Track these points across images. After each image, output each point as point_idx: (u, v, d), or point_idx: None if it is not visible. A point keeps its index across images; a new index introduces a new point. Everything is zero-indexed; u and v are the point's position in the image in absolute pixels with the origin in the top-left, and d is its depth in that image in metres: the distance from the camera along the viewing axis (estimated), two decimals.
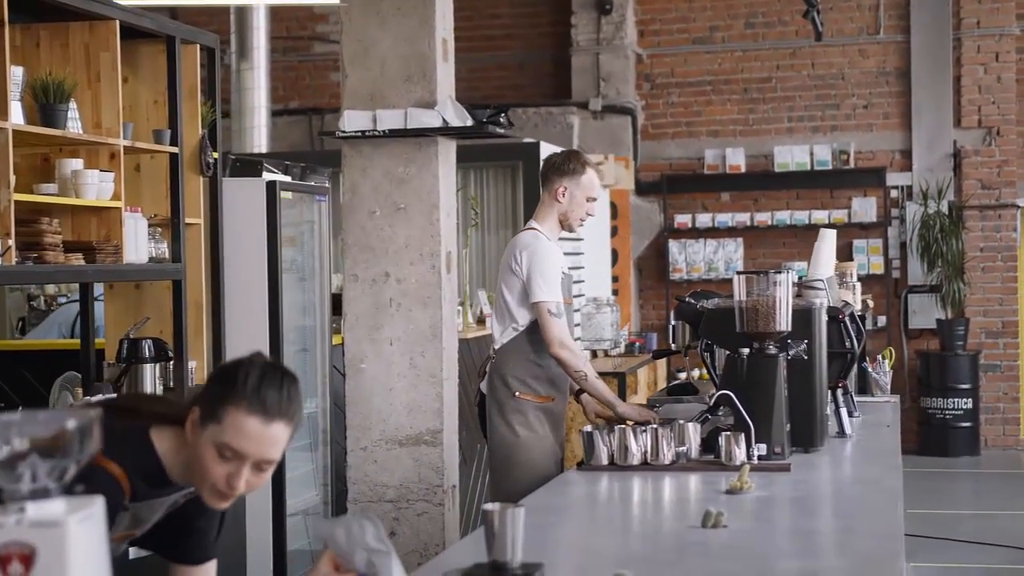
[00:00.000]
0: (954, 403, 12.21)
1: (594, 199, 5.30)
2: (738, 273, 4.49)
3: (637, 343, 10.87)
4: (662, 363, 11.08)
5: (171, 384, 5.65)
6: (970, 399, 12.24)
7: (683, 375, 10.29)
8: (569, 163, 5.27)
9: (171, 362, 5.64)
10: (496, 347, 5.26)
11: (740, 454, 4.22)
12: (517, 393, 5.17)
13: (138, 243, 5.35)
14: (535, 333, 5.14)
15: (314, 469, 6.83)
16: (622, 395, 8.93)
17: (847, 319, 5.08)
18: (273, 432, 2.60)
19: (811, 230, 11.26)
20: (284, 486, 6.33)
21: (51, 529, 1.75)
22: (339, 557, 2.47)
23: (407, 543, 5.59)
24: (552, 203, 5.26)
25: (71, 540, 1.76)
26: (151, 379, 5.50)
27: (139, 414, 2.76)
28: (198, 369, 5.89)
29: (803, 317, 4.58)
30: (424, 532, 5.63)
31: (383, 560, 2.44)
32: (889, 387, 6.48)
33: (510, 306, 5.18)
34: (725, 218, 12.87)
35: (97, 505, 1.83)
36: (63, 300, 8.29)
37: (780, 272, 4.46)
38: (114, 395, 5.02)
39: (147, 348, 5.51)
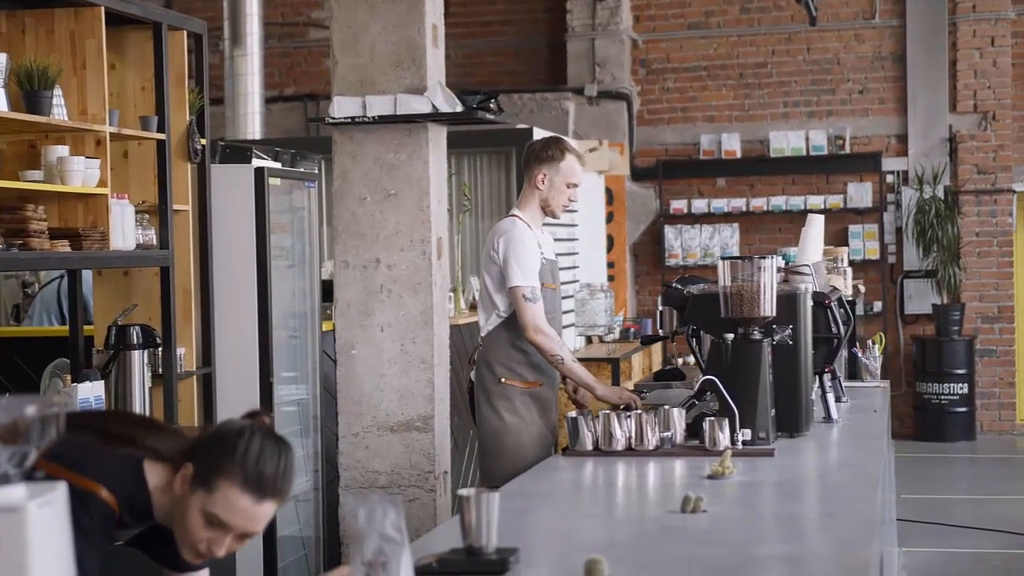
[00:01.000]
0: (950, 388, 12.22)
1: (575, 185, 5.30)
2: (723, 258, 4.50)
3: (632, 329, 10.87)
4: (657, 349, 11.09)
5: (159, 370, 5.65)
6: (966, 384, 12.25)
7: (679, 361, 10.30)
8: (548, 150, 5.29)
9: (159, 348, 5.65)
10: (482, 334, 5.29)
11: (724, 439, 4.22)
12: (503, 379, 5.19)
13: (125, 230, 5.35)
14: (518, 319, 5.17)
15: (304, 455, 6.83)
16: (615, 381, 8.95)
17: (834, 304, 5.07)
18: (263, 510, 2.61)
19: (807, 215, 11.30)
20: None
21: (11, 515, 1.76)
22: (350, 534, 2.48)
23: None
24: (533, 190, 5.28)
25: (31, 525, 1.76)
26: (139, 366, 5.50)
27: (135, 444, 2.73)
28: (187, 356, 5.89)
29: (788, 302, 4.58)
30: (415, 518, 5.63)
31: (394, 550, 2.44)
32: (879, 372, 6.46)
33: (491, 293, 5.23)
34: (721, 204, 12.86)
35: (59, 491, 1.83)
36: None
37: (765, 258, 4.46)
38: (105, 411, 4.96)
39: (135, 335, 5.51)
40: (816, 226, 5.77)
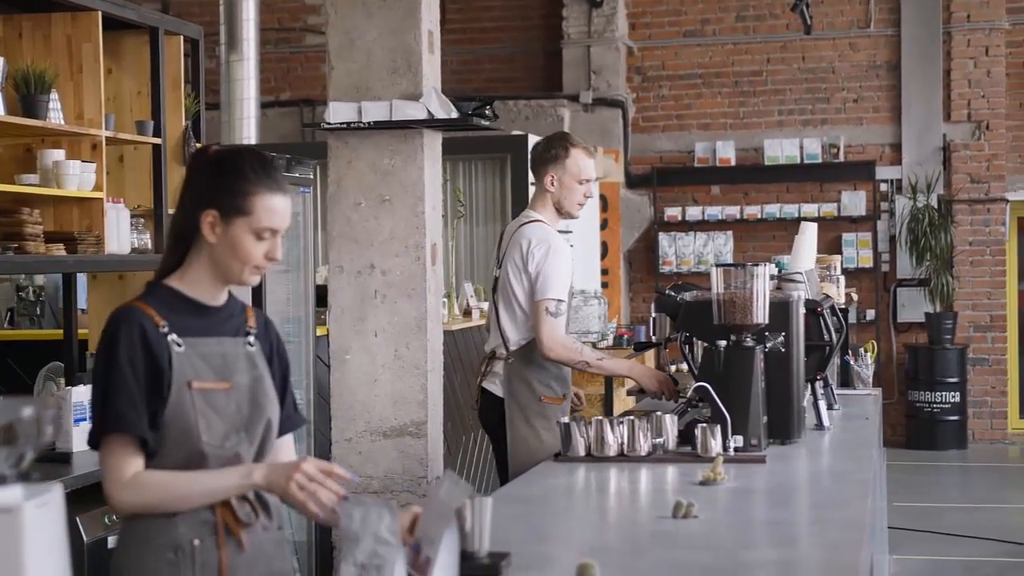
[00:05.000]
0: (942, 397, 12.24)
1: (587, 180, 5.20)
2: (716, 266, 4.51)
3: (626, 336, 10.88)
4: (651, 356, 11.09)
5: None
6: (958, 393, 12.28)
7: (673, 368, 10.29)
8: (551, 149, 5.20)
9: None
10: (511, 348, 5.20)
11: (716, 446, 4.23)
12: (543, 397, 5.13)
13: (120, 234, 5.36)
14: None
15: None
16: (608, 388, 8.96)
17: (826, 312, 5.09)
18: (290, 203, 2.92)
19: (800, 223, 11.33)
20: None
21: (7, 515, 1.77)
22: (344, 536, 2.48)
23: None
24: (545, 193, 5.20)
25: (27, 526, 1.77)
26: None
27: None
28: None
29: (781, 310, 4.59)
30: None
31: (389, 553, 2.44)
32: (871, 380, 6.48)
33: (524, 306, 5.13)
34: (715, 211, 12.89)
35: (55, 492, 1.84)
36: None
37: (758, 265, 4.48)
38: None
39: None
40: (809, 234, 5.79)
